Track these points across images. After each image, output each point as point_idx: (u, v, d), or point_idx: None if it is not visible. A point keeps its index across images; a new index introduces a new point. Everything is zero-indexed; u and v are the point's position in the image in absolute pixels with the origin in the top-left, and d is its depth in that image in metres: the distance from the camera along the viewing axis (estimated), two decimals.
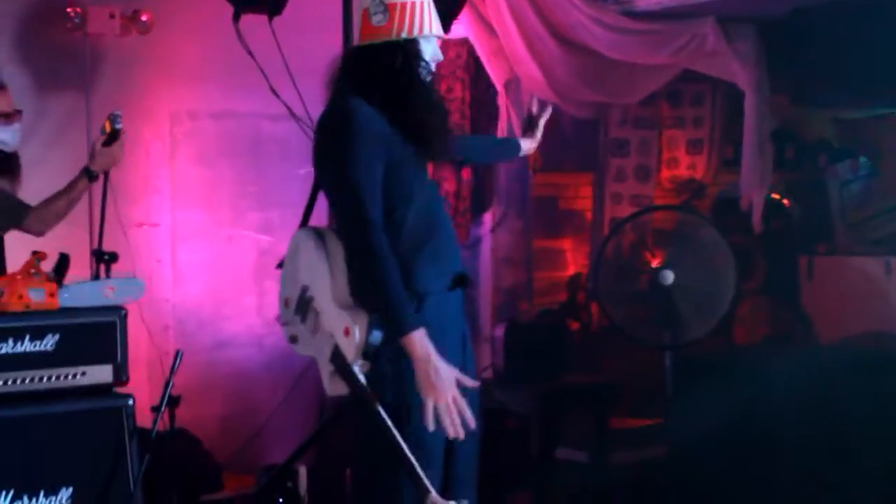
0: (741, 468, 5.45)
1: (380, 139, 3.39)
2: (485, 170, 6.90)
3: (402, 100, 3.44)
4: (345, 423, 5.72)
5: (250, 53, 5.48)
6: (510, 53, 6.55)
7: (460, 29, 6.60)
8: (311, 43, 6.12)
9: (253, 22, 5.59)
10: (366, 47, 3.50)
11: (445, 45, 6.58)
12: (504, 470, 6.11)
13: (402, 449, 3.16)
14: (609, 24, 6.22)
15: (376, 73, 3.46)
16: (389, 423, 3.19)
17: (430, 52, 3.54)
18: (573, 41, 6.34)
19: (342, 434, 5.47)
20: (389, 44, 3.47)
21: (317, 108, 6.21)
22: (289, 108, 5.80)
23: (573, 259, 7.31)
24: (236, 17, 5.54)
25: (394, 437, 3.18)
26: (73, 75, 5.78)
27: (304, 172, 6.25)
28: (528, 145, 4.33)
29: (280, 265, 3.64)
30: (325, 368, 3.36)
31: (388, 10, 3.47)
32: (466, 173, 6.81)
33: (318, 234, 3.46)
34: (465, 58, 6.82)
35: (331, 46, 6.23)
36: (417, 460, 3.18)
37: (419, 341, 3.27)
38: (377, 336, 3.29)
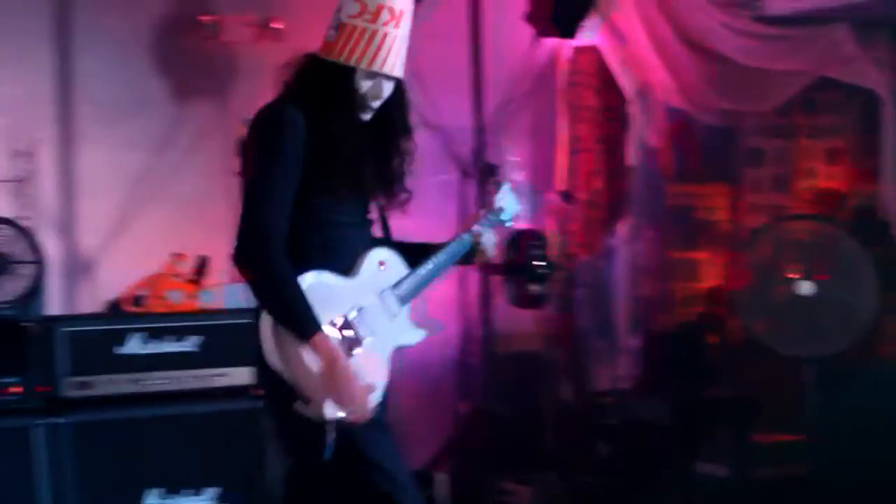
0: (887, 488, 5.27)
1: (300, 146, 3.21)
2: (619, 179, 6.80)
3: (320, 123, 3.23)
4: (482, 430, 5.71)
5: None
6: (641, 60, 6.49)
7: (590, 36, 6.54)
8: (440, 50, 6.10)
9: None
10: (315, 57, 3.33)
11: (576, 53, 6.73)
12: (643, 483, 6.01)
13: None
14: (741, 30, 6.15)
15: (312, 86, 3.28)
16: None
17: (370, 87, 3.30)
18: (704, 47, 6.27)
19: (481, 441, 5.45)
20: (328, 62, 3.28)
21: (448, 117, 6.27)
22: (420, 116, 5.76)
23: (709, 270, 7.17)
24: None
25: None
26: (209, 82, 5.82)
27: (437, 181, 6.22)
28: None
29: None
30: None
31: (338, 28, 3.29)
32: (599, 182, 6.73)
33: None
34: (595, 65, 6.72)
35: (458, 54, 6.26)
36: None
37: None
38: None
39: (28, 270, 4.74)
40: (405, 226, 6.22)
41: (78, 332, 4.48)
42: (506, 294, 6.06)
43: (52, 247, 5.14)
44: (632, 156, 6.75)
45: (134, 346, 4.50)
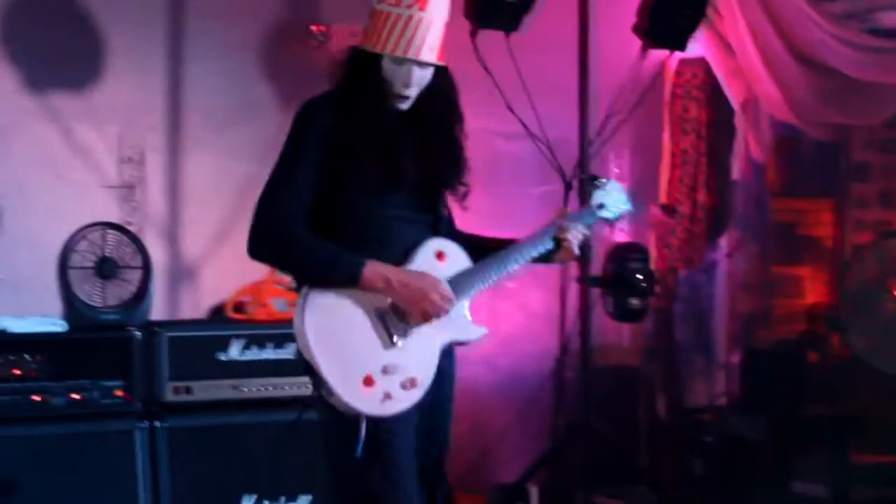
0: None
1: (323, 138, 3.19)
2: (722, 193, 6.74)
3: (344, 113, 3.20)
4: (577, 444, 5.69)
5: (487, 70, 5.47)
6: (748, 72, 6.41)
7: (697, 48, 6.48)
8: (548, 62, 6.06)
9: (490, 38, 5.58)
10: (353, 48, 3.32)
11: (681, 64, 6.66)
12: (738, 500, 5.95)
13: None
14: (852, 42, 6.10)
15: (345, 78, 3.28)
16: None
17: (397, 74, 3.20)
18: (814, 60, 6.20)
19: (575, 455, 5.43)
20: (359, 51, 3.26)
21: (553, 128, 6.25)
22: (525, 126, 5.77)
23: (812, 287, 7.08)
24: (473, 33, 5.55)
25: None
26: (317, 91, 5.85)
27: (540, 192, 6.21)
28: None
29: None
30: None
31: (371, 16, 3.24)
32: (702, 195, 6.66)
33: None
34: (701, 77, 6.65)
35: (565, 64, 6.23)
36: None
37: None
38: None
39: (134, 276, 4.81)
40: (507, 236, 6.25)
41: (181, 337, 4.57)
42: (605, 307, 6.04)
43: (157, 253, 5.20)
44: (736, 169, 6.70)
45: (234, 352, 4.57)
